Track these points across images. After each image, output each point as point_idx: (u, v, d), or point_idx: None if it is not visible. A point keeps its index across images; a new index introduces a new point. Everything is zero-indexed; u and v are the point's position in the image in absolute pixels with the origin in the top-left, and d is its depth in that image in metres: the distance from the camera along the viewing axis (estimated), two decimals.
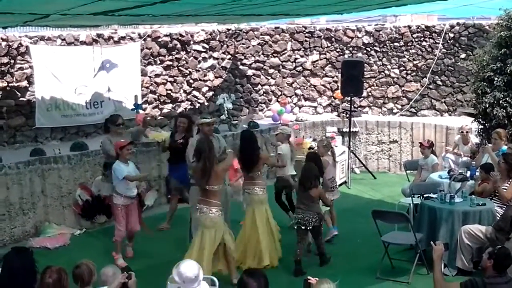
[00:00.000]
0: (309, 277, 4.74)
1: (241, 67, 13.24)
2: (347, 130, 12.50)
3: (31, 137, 10.42)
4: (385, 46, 13.58)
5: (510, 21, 10.13)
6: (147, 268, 7.83)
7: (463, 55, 12.98)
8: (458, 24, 13.14)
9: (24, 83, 10.29)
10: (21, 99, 10.28)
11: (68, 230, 9.42)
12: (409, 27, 13.45)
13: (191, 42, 12.38)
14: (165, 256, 8.09)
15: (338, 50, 13.81)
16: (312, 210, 7.79)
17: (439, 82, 13.32)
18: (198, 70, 12.55)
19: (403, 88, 13.60)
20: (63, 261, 6.87)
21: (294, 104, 13.86)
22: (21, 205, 9.04)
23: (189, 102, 12.50)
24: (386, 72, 13.66)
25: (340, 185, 11.88)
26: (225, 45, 12.94)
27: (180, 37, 12.18)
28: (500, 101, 9.98)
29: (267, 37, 13.51)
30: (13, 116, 10.21)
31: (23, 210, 9.07)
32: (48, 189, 9.40)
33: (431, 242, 5.80)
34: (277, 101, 13.51)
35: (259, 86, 13.56)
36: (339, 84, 13.02)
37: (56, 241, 8.97)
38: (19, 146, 10.20)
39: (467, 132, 10.63)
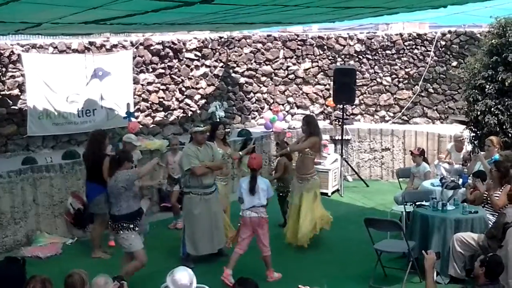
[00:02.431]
0: (300, 286, 4.73)
1: (233, 75, 13.25)
2: (340, 137, 12.51)
3: (22, 146, 10.38)
4: (377, 54, 13.63)
5: (501, 29, 10.17)
6: (139, 277, 7.74)
7: (454, 63, 13.05)
8: (449, 32, 13.21)
9: (16, 91, 10.26)
10: (12, 107, 10.25)
11: (60, 239, 9.37)
12: (401, 35, 13.51)
13: (184, 50, 12.38)
14: (156, 266, 8.03)
15: (330, 58, 13.84)
16: None
17: (431, 90, 13.37)
18: (191, 78, 12.55)
19: (395, 96, 13.64)
20: (54, 271, 6.85)
21: (287, 112, 13.86)
22: (12, 214, 8.99)
23: (182, 110, 12.50)
24: (378, 80, 13.70)
25: (332, 192, 11.93)
26: (217, 53, 12.95)
27: (172, 45, 12.18)
28: (492, 109, 10.01)
29: (259, 45, 13.53)
30: (4, 124, 10.19)
31: (14, 219, 9.02)
32: (40, 197, 9.37)
33: (423, 251, 5.81)
34: (270, 109, 13.52)
35: (252, 94, 13.57)
36: (331, 92, 13.04)
37: (48, 250, 8.92)
38: (11, 154, 10.17)
39: (462, 139, 10.64)
